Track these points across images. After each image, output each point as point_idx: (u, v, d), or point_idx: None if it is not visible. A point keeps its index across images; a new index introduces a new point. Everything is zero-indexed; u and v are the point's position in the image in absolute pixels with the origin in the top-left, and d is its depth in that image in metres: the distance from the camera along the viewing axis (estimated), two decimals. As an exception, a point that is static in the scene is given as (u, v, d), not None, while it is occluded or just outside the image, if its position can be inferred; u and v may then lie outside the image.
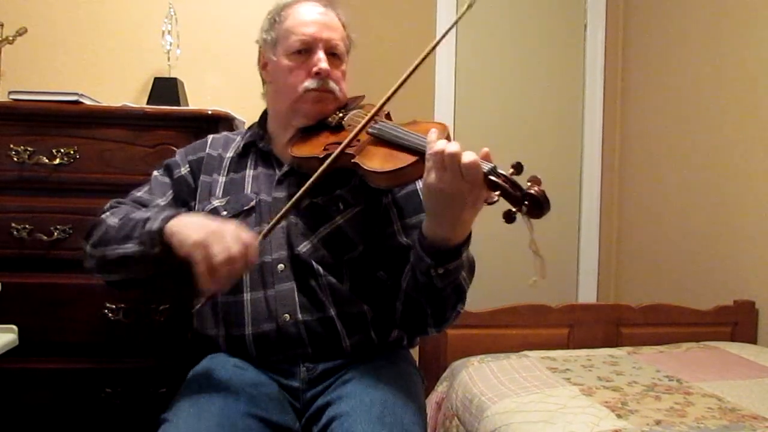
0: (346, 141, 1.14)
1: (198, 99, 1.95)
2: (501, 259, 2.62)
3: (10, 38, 1.84)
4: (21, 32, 1.84)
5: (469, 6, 1.19)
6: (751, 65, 2.24)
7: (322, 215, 1.23)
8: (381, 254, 1.24)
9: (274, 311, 1.19)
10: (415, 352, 1.45)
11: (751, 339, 2.12)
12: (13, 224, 1.56)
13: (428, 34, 2.98)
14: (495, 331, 2.03)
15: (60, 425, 1.58)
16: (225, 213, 1.26)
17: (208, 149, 1.36)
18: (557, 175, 3.12)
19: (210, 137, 1.40)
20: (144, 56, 1.98)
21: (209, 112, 1.63)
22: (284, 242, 1.22)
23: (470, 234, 1.05)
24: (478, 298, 1.97)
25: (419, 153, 1.05)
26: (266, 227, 1.12)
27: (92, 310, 1.56)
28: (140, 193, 1.32)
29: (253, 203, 1.26)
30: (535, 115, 3.14)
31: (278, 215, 1.12)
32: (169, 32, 1.91)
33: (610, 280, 3.13)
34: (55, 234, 1.57)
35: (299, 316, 1.19)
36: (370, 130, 1.17)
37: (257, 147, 1.33)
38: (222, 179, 1.31)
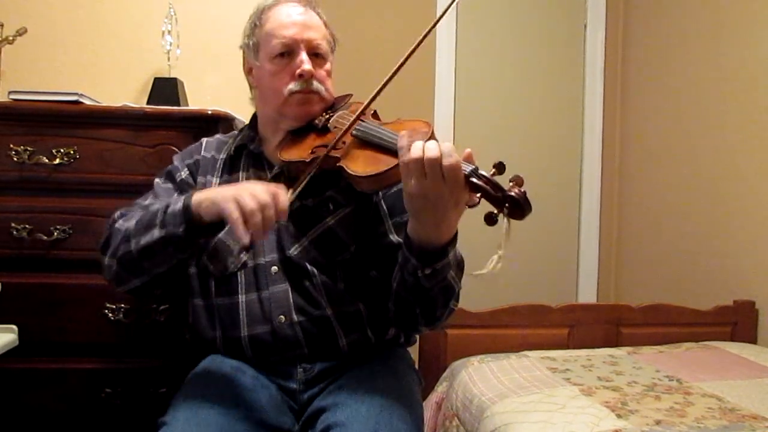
0: (330, 146, 1.14)
1: (198, 99, 1.95)
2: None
3: (10, 38, 1.84)
4: (21, 32, 1.84)
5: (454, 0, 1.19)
6: (751, 65, 2.24)
7: (312, 217, 1.23)
8: (373, 253, 1.23)
9: (269, 313, 1.19)
10: (414, 352, 1.45)
11: (751, 339, 2.12)
12: (13, 224, 1.56)
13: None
14: (495, 331, 2.03)
15: (60, 425, 1.58)
16: None
17: (202, 152, 1.36)
18: (557, 175, 3.13)
19: (203, 140, 1.40)
20: (144, 56, 1.98)
21: (209, 112, 1.63)
22: (275, 245, 1.22)
23: (456, 233, 1.05)
24: (477, 300, 1.98)
25: None
26: (297, 186, 1.12)
27: (92, 310, 1.56)
28: (146, 202, 1.31)
29: None
30: (535, 115, 3.15)
31: (308, 172, 1.13)
32: (169, 32, 1.91)
33: (610, 280, 3.13)
34: (55, 234, 1.57)
35: (294, 317, 1.19)
36: (354, 132, 1.17)
37: (248, 149, 1.33)
38: (216, 181, 1.31)
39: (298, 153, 1.22)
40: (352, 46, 1.39)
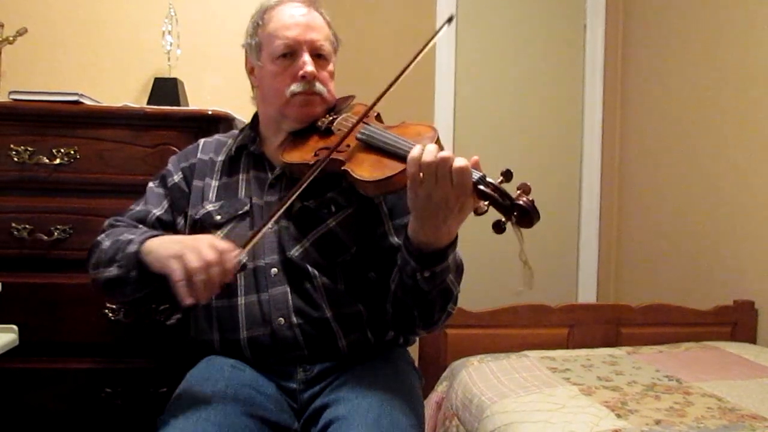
0: (332, 149, 1.13)
1: (198, 99, 1.95)
2: (497, 263, 2.61)
3: (10, 38, 1.84)
4: (21, 32, 1.84)
5: (449, 20, 1.19)
6: (751, 65, 2.24)
7: (313, 218, 1.23)
8: (373, 255, 1.23)
9: (268, 315, 1.19)
10: (414, 352, 1.45)
11: (751, 339, 2.12)
12: (13, 224, 1.56)
13: (427, 32, 2.99)
14: (495, 331, 2.03)
15: (60, 425, 1.58)
16: (219, 217, 1.26)
17: (199, 154, 1.35)
18: (557, 175, 3.13)
19: (201, 141, 1.39)
20: (144, 56, 1.98)
21: (209, 112, 1.63)
22: (276, 246, 1.22)
23: (456, 237, 1.05)
24: (476, 299, 1.98)
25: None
26: (247, 240, 1.08)
27: (92, 310, 1.56)
28: (138, 207, 1.32)
29: (246, 207, 1.26)
30: (535, 115, 3.15)
31: (259, 229, 1.09)
32: (169, 32, 1.91)
33: (610, 280, 3.13)
34: (55, 234, 1.57)
35: (293, 319, 1.18)
36: (358, 135, 1.16)
37: (249, 150, 1.32)
38: (215, 183, 1.30)
39: (301, 155, 1.22)
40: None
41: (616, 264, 3.12)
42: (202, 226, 1.26)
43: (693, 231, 2.52)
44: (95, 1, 1.98)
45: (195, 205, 1.29)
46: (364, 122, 1.17)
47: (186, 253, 1.00)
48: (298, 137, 1.27)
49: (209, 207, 1.28)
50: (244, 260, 1.22)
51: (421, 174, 0.97)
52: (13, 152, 1.57)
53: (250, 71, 1.34)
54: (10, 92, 1.61)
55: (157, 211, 1.30)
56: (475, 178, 0.96)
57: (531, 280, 0.95)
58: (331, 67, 1.29)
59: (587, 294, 3.14)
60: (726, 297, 2.20)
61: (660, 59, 2.80)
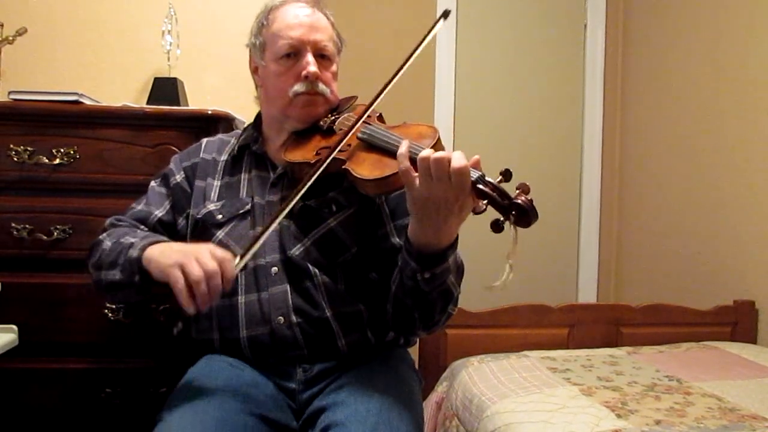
0: (334, 148, 1.14)
1: (198, 99, 1.95)
2: (497, 263, 2.61)
3: (10, 38, 1.84)
4: (21, 32, 1.84)
5: (445, 15, 1.19)
6: (751, 65, 2.24)
7: (314, 218, 1.23)
8: (374, 255, 1.23)
9: (268, 314, 1.19)
10: (414, 352, 1.45)
11: (751, 339, 2.12)
12: (13, 224, 1.56)
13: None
14: (495, 331, 2.03)
15: (60, 425, 1.58)
16: (220, 216, 1.26)
17: (201, 154, 1.35)
18: (557, 175, 3.13)
19: (204, 141, 1.39)
20: (144, 56, 1.98)
21: (209, 112, 1.63)
22: (277, 245, 1.22)
23: (457, 237, 1.04)
24: (476, 299, 1.97)
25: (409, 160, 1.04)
26: (245, 251, 1.08)
27: (92, 310, 1.56)
28: (139, 207, 1.32)
29: (248, 207, 1.26)
30: (535, 115, 3.15)
31: (258, 235, 1.09)
32: (169, 32, 1.91)
33: (610, 280, 3.13)
34: (55, 234, 1.57)
35: (293, 318, 1.18)
36: (360, 135, 1.16)
37: (251, 150, 1.33)
38: (217, 183, 1.31)
39: (303, 154, 1.22)
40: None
41: (616, 264, 3.12)
42: (204, 225, 1.27)
43: (693, 231, 2.52)
44: (95, 1, 1.98)
45: (197, 205, 1.30)
46: (366, 122, 1.17)
47: (187, 263, 1.01)
48: (300, 137, 1.27)
49: (211, 206, 1.28)
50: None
51: (414, 174, 0.97)
52: (13, 152, 1.57)
53: (254, 71, 1.34)
54: (10, 92, 1.61)
55: (159, 212, 1.30)
56: (474, 177, 0.96)
57: (506, 281, 0.94)
58: (334, 67, 1.30)
59: (587, 294, 3.14)
60: (726, 297, 2.20)
61: (660, 59, 2.80)
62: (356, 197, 1.22)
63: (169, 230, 1.30)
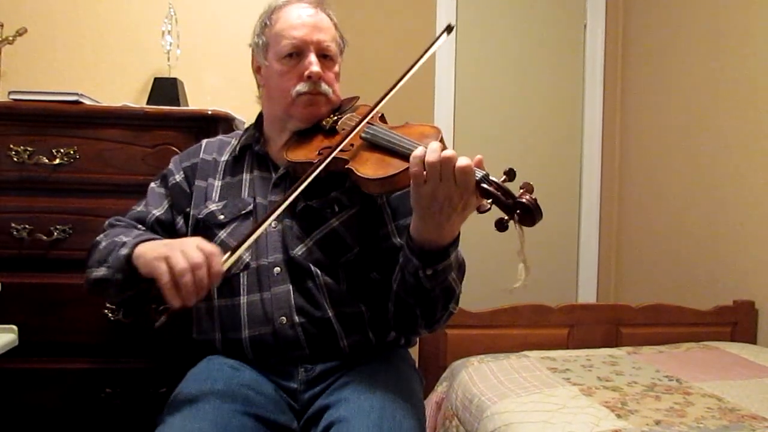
0: (335, 146, 1.14)
1: (198, 99, 1.95)
2: (497, 263, 2.62)
3: (10, 38, 1.84)
4: (21, 32, 1.84)
5: (449, 29, 1.18)
6: (750, 65, 2.24)
7: (317, 218, 1.23)
8: (376, 255, 1.23)
9: (270, 314, 1.19)
10: (414, 352, 1.45)
11: (751, 339, 2.12)
12: (13, 224, 1.56)
13: (428, 33, 2.99)
14: (495, 331, 2.03)
15: (60, 425, 1.58)
16: (222, 217, 1.26)
17: (201, 154, 1.36)
18: (557, 175, 3.13)
19: (204, 142, 1.39)
20: (144, 56, 1.98)
21: (209, 112, 1.63)
22: (280, 245, 1.22)
23: (459, 235, 1.05)
24: (476, 300, 1.98)
25: None
26: (236, 247, 1.07)
27: (92, 310, 1.56)
28: (139, 208, 1.32)
29: (250, 207, 1.26)
30: (535, 115, 3.15)
31: (251, 231, 1.09)
32: (169, 32, 1.91)
33: (610, 280, 3.13)
34: (55, 234, 1.57)
35: (295, 318, 1.18)
36: (363, 134, 1.16)
37: (253, 150, 1.33)
38: (218, 183, 1.31)
39: (305, 154, 1.22)
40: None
41: (616, 264, 3.12)
42: (206, 225, 1.27)
43: (693, 231, 2.52)
44: (95, 1, 1.98)
45: (198, 205, 1.30)
46: (369, 122, 1.17)
47: (172, 255, 1.00)
48: (302, 137, 1.27)
49: (212, 207, 1.28)
50: (247, 260, 1.22)
51: (425, 173, 0.97)
52: (13, 152, 1.57)
53: (257, 70, 1.34)
54: (10, 92, 1.61)
55: (157, 212, 1.31)
56: (478, 176, 0.96)
57: (525, 280, 0.95)
58: (336, 68, 1.30)
59: (587, 294, 3.14)
60: (726, 297, 2.20)
61: (660, 59, 2.80)
62: (358, 197, 1.23)
63: (167, 230, 1.30)
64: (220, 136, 1.42)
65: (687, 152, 2.59)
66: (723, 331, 2.12)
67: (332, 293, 1.20)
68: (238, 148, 1.33)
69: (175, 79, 1.87)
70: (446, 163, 0.95)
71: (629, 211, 3.04)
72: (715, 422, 1.35)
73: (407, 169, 1.02)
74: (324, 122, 1.27)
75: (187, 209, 1.31)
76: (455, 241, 1.05)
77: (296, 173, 1.23)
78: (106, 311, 1.56)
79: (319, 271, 1.20)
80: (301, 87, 1.24)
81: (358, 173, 1.11)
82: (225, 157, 1.34)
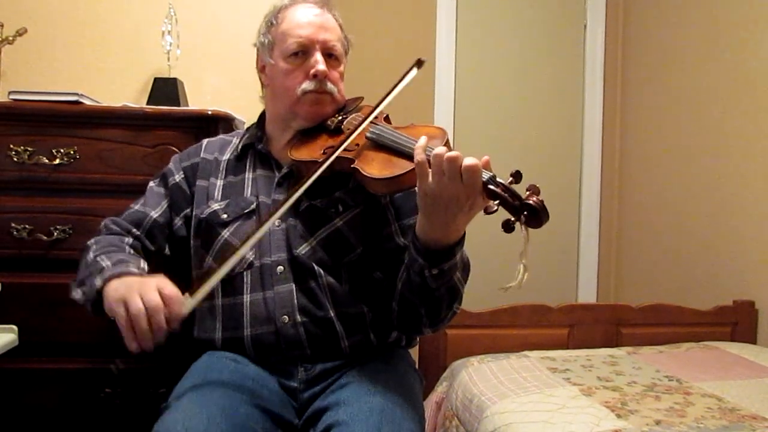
0: (339, 144, 1.14)
1: (198, 99, 1.95)
2: (497, 263, 2.61)
3: (10, 38, 1.84)
4: (21, 32, 1.84)
5: (419, 64, 1.16)
6: (751, 65, 2.24)
7: (321, 217, 1.23)
8: (379, 255, 1.24)
9: (273, 313, 1.19)
10: (414, 352, 1.45)
11: (751, 339, 2.12)
12: (13, 224, 1.56)
13: (428, 34, 2.99)
14: (495, 331, 2.03)
15: (60, 425, 1.58)
16: (225, 216, 1.26)
17: (202, 154, 1.36)
18: (557, 175, 3.13)
19: (205, 141, 1.40)
20: (144, 56, 1.98)
21: (209, 113, 1.63)
22: (283, 244, 1.22)
23: (464, 235, 1.05)
24: (477, 300, 1.98)
25: None
26: (198, 288, 1.05)
27: (92, 310, 1.56)
28: (137, 207, 1.33)
29: (253, 206, 1.26)
30: (535, 115, 3.15)
31: (248, 236, 1.08)
32: (169, 32, 1.91)
33: (610, 280, 3.13)
34: (55, 234, 1.57)
35: (298, 317, 1.19)
36: (368, 134, 1.17)
37: (255, 149, 1.33)
38: (220, 182, 1.31)
39: (310, 153, 1.22)
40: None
41: (616, 264, 3.12)
42: (208, 224, 1.27)
43: (693, 231, 2.52)
44: (95, 1, 1.98)
45: (200, 205, 1.30)
46: (374, 122, 1.18)
47: (129, 298, 1.00)
48: (306, 136, 1.28)
49: (215, 206, 1.28)
50: (250, 259, 1.22)
51: (430, 169, 0.97)
52: (13, 152, 1.57)
53: (261, 69, 1.35)
54: (10, 92, 1.61)
55: (155, 214, 1.31)
56: (486, 177, 0.97)
57: (521, 281, 0.95)
58: (341, 67, 1.31)
59: (587, 294, 3.13)
60: (726, 297, 2.20)
61: (660, 59, 2.80)
62: (362, 197, 1.23)
63: (164, 231, 1.31)
64: (221, 136, 1.43)
65: (687, 152, 2.58)
66: (723, 331, 2.12)
67: (335, 293, 1.20)
68: (240, 147, 1.33)
69: (175, 79, 1.86)
70: (453, 162, 0.95)
71: (629, 211, 3.04)
72: (715, 422, 1.35)
73: (413, 169, 1.02)
74: (329, 122, 1.27)
75: (186, 210, 1.31)
76: (461, 241, 1.05)
77: (300, 172, 1.23)
78: (106, 311, 1.56)
79: (322, 271, 1.20)
80: (307, 85, 1.25)
81: (364, 173, 1.11)
82: (227, 156, 1.34)
